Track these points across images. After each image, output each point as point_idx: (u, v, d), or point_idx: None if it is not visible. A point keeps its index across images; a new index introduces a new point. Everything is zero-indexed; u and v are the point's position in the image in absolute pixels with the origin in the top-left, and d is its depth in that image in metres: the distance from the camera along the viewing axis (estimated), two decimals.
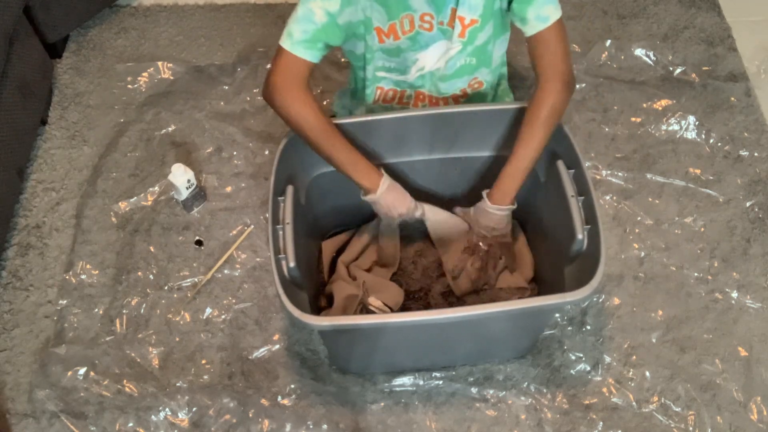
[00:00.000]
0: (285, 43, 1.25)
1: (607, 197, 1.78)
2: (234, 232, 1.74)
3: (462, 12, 1.29)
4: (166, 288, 1.65)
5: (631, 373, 1.53)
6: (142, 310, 1.62)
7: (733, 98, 1.96)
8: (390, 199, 1.36)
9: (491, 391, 1.51)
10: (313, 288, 1.53)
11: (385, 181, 1.34)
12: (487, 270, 1.47)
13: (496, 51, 1.41)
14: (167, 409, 1.48)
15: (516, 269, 1.52)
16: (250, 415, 1.47)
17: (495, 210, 1.36)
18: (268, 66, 1.99)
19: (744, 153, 1.86)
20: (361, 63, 1.41)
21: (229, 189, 1.81)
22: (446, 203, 1.63)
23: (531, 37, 1.28)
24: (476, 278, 1.47)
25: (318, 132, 1.27)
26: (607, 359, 1.55)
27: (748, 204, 1.77)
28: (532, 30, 1.26)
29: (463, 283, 1.49)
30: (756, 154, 1.86)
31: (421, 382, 1.52)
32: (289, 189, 1.35)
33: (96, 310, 1.62)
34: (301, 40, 1.23)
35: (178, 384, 1.52)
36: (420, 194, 1.59)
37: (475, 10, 1.28)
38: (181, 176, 1.67)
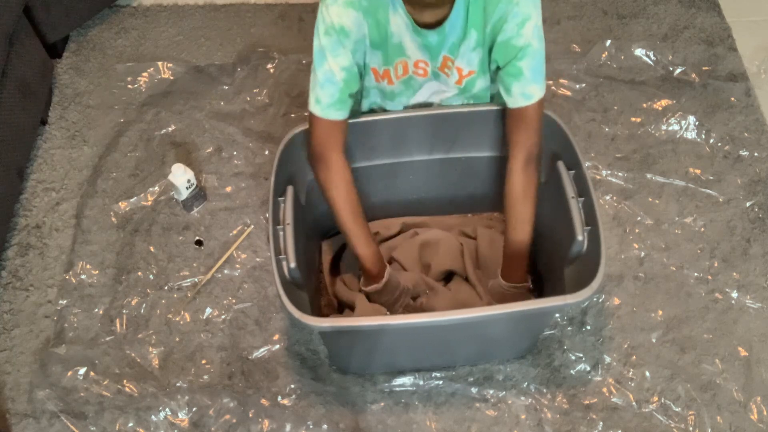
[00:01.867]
0: (315, 109, 1.28)
1: (607, 197, 1.78)
2: (234, 232, 1.74)
3: (460, 63, 1.30)
4: (166, 288, 1.65)
5: (631, 373, 1.53)
6: (142, 310, 1.62)
7: (733, 98, 1.96)
8: (383, 292, 1.41)
9: (491, 391, 1.51)
10: (313, 288, 1.54)
11: (388, 274, 1.39)
12: None
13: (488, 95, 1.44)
14: (167, 409, 1.48)
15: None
16: (250, 415, 1.47)
17: (508, 288, 1.39)
18: (270, 67, 2.02)
19: (744, 153, 1.86)
20: (358, 97, 1.42)
21: (229, 189, 1.81)
22: (446, 203, 1.64)
23: (511, 109, 1.30)
24: None
25: (346, 205, 1.33)
26: (607, 359, 1.55)
27: (748, 204, 1.78)
28: (514, 104, 1.28)
29: None
30: (756, 154, 1.86)
31: (421, 382, 1.52)
32: (290, 189, 1.35)
33: (96, 310, 1.62)
34: (330, 104, 1.27)
35: (178, 384, 1.52)
36: (420, 194, 1.59)
37: (472, 63, 1.30)
38: (181, 176, 1.67)
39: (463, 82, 1.34)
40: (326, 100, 1.26)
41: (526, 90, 1.26)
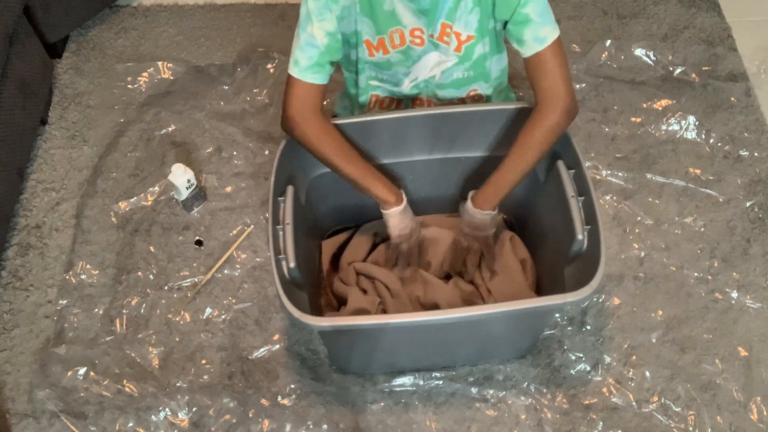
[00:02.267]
0: (293, 71, 1.28)
1: (607, 197, 1.78)
2: (234, 232, 1.74)
3: (458, 28, 1.29)
4: (166, 288, 1.65)
5: (631, 373, 1.53)
6: (142, 310, 1.62)
7: (733, 98, 1.96)
8: (405, 215, 1.40)
9: (491, 391, 1.51)
10: (313, 288, 1.54)
11: (404, 198, 1.39)
12: (464, 262, 1.50)
13: (493, 66, 1.42)
14: (167, 409, 1.48)
15: (496, 270, 1.51)
16: (250, 415, 1.47)
17: (475, 213, 1.37)
18: (270, 68, 2.02)
19: (744, 153, 1.86)
20: (354, 70, 1.41)
21: (229, 189, 1.81)
22: (446, 203, 1.64)
23: (528, 58, 1.27)
24: (449, 267, 1.52)
25: (336, 153, 1.32)
26: (607, 359, 1.55)
27: (748, 204, 1.78)
28: (530, 51, 1.25)
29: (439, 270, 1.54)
30: (756, 154, 1.86)
31: (421, 382, 1.52)
32: (289, 189, 1.35)
33: (96, 310, 1.62)
34: (308, 66, 1.27)
35: (178, 384, 1.52)
36: (420, 194, 1.59)
37: (470, 26, 1.29)
38: (181, 176, 1.67)
39: (462, 48, 1.32)
40: (304, 63, 1.26)
41: (538, 34, 1.23)
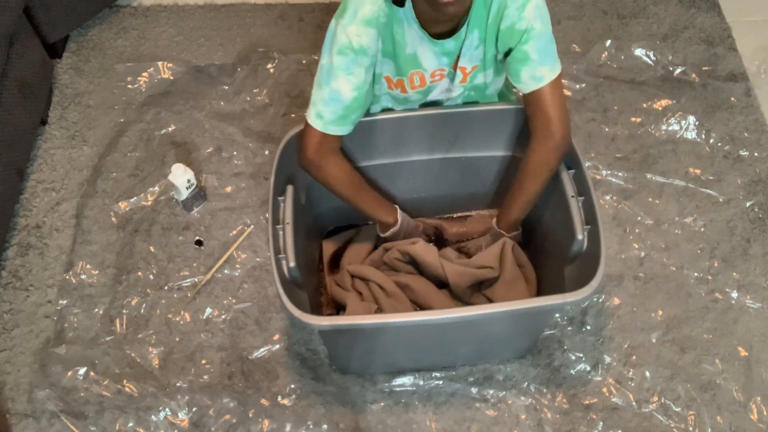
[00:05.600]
0: (316, 123, 1.27)
1: (607, 197, 1.78)
2: (234, 232, 1.74)
3: (463, 63, 1.30)
4: (166, 288, 1.65)
5: (631, 373, 1.53)
6: (142, 310, 1.62)
7: (733, 98, 1.96)
8: (405, 225, 1.50)
9: (491, 391, 1.51)
10: (313, 288, 1.53)
11: (400, 215, 1.47)
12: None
13: (491, 89, 1.44)
14: (167, 409, 1.48)
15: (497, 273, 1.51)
16: (250, 415, 1.47)
17: (501, 234, 1.48)
18: (270, 68, 2.02)
19: (744, 153, 1.86)
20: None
21: (229, 189, 1.81)
22: (446, 203, 1.64)
23: (525, 94, 1.29)
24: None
25: (349, 189, 1.38)
26: (607, 359, 1.55)
27: (748, 204, 1.78)
28: (527, 89, 1.27)
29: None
30: (756, 154, 1.86)
31: (421, 382, 1.52)
32: (289, 189, 1.35)
33: (96, 310, 1.62)
34: (333, 120, 1.26)
35: (178, 384, 1.52)
36: (420, 194, 1.59)
37: (474, 59, 1.30)
38: (181, 176, 1.67)
39: (467, 79, 1.34)
40: (329, 117, 1.26)
41: (535, 73, 1.24)
